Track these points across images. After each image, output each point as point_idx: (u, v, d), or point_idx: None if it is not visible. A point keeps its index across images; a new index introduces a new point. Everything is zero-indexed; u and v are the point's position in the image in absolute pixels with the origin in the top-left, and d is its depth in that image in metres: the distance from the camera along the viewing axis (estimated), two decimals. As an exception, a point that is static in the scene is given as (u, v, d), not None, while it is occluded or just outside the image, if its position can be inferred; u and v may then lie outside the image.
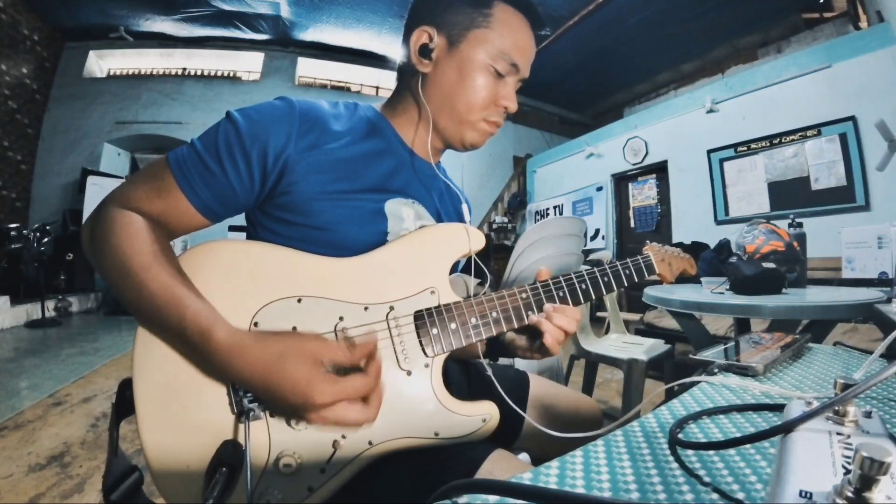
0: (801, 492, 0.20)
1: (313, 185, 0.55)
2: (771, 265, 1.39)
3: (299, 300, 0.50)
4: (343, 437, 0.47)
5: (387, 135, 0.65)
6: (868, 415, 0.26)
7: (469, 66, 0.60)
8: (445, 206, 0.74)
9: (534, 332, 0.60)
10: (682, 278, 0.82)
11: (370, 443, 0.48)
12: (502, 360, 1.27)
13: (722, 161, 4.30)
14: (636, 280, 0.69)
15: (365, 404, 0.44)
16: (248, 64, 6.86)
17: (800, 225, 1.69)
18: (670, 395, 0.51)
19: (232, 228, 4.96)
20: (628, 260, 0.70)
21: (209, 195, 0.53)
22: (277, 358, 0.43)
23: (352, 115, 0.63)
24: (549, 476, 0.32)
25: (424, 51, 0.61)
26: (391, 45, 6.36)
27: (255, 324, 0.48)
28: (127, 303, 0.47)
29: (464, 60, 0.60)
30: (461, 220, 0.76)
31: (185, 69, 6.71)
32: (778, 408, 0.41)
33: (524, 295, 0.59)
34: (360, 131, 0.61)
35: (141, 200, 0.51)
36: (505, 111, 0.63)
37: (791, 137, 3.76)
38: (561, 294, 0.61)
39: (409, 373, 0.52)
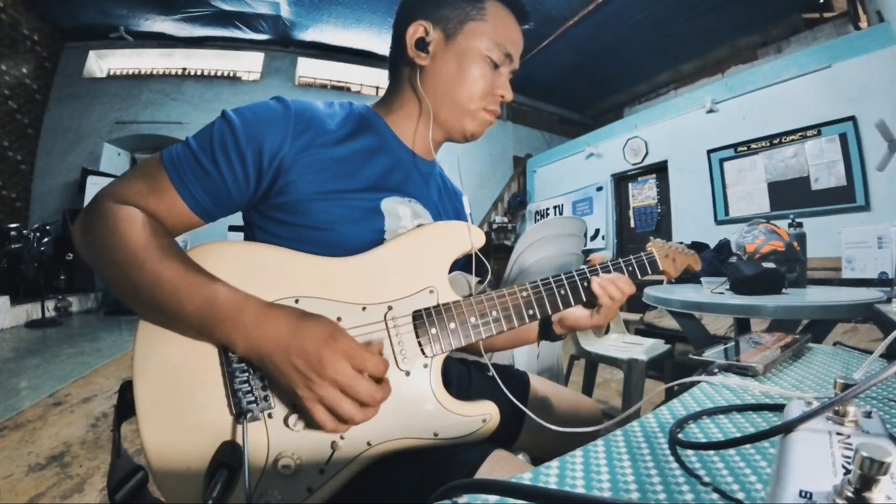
0: (801, 492, 0.20)
1: (309, 185, 0.55)
2: (771, 265, 1.39)
3: (297, 301, 0.50)
4: (342, 437, 0.47)
5: (382, 132, 0.65)
6: (868, 415, 0.26)
7: (467, 56, 0.61)
8: (444, 202, 0.74)
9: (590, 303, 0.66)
10: (686, 276, 0.81)
11: (369, 443, 0.48)
12: (502, 361, 1.27)
13: (722, 161, 4.30)
14: (639, 276, 0.69)
15: (372, 383, 0.45)
16: (248, 64, 6.86)
17: (800, 225, 1.69)
18: (670, 395, 0.51)
19: (232, 228, 4.97)
20: (631, 256, 0.69)
21: (204, 195, 0.53)
22: (306, 312, 0.47)
23: (347, 114, 0.63)
24: (549, 476, 0.32)
25: (421, 44, 0.62)
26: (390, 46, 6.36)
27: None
28: (136, 295, 0.46)
29: (462, 52, 0.61)
30: (460, 215, 0.76)
31: (185, 69, 6.71)
32: (778, 408, 0.41)
33: (524, 293, 0.58)
34: (356, 130, 0.62)
35: (136, 197, 0.51)
36: (501, 100, 0.65)
37: (791, 137, 3.76)
38: (563, 292, 0.61)
39: (407, 373, 0.52)
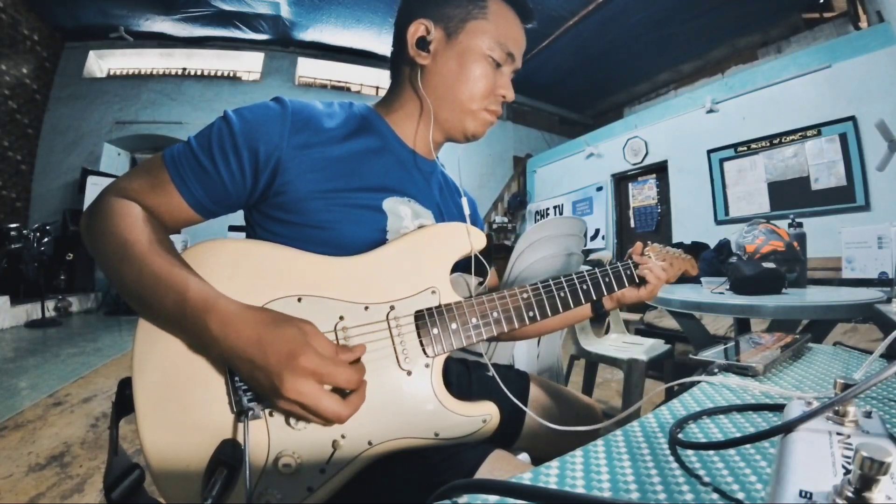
0: (801, 492, 0.20)
1: (308, 185, 0.55)
2: (771, 265, 1.39)
3: (299, 299, 0.50)
4: (343, 436, 0.47)
5: (383, 132, 0.65)
6: (868, 415, 0.26)
7: (469, 56, 0.61)
8: (446, 201, 0.74)
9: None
10: (683, 279, 0.82)
11: (370, 443, 0.48)
12: (502, 361, 1.27)
13: (722, 161, 4.30)
14: (637, 281, 0.70)
15: (342, 400, 0.43)
16: (248, 64, 6.86)
17: (800, 225, 1.69)
18: (670, 395, 0.51)
19: (232, 228, 4.97)
20: (629, 261, 0.70)
21: (202, 192, 0.54)
22: (273, 321, 0.44)
23: (346, 113, 0.63)
24: (549, 476, 0.32)
25: (422, 43, 0.61)
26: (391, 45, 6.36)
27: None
28: (125, 287, 0.47)
29: (463, 51, 0.61)
30: (461, 214, 0.76)
31: (185, 69, 6.71)
32: (778, 408, 0.41)
33: (525, 295, 0.59)
34: (355, 129, 0.62)
35: (137, 192, 0.52)
36: (503, 100, 0.65)
37: (791, 137, 3.76)
38: (562, 294, 0.61)
39: (409, 373, 0.52)
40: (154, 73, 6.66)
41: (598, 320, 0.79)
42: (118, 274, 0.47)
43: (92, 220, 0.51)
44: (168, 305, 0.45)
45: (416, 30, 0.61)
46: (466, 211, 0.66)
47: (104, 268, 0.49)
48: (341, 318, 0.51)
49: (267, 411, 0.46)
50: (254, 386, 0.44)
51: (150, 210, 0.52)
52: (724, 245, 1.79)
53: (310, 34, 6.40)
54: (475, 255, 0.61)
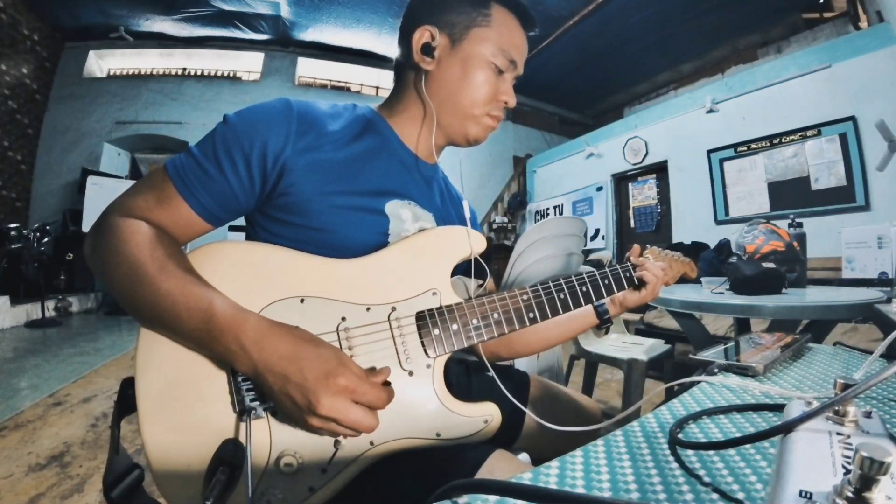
0: (801, 492, 0.20)
1: (312, 186, 0.55)
2: (771, 265, 1.40)
3: (302, 300, 0.50)
4: (344, 437, 0.47)
5: (385, 135, 0.65)
6: (868, 415, 0.26)
7: (472, 62, 0.61)
8: (446, 206, 0.74)
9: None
10: (683, 280, 0.82)
11: (371, 443, 0.48)
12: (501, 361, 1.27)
13: (722, 161, 4.30)
14: (637, 284, 0.70)
15: (369, 411, 0.45)
16: (248, 64, 6.86)
17: (800, 225, 1.69)
18: (670, 395, 0.51)
19: (232, 228, 4.96)
20: (629, 263, 0.70)
21: (210, 200, 0.53)
22: (310, 340, 0.46)
23: (350, 115, 0.63)
24: (549, 476, 0.32)
25: (427, 49, 0.62)
26: (391, 45, 6.34)
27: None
28: (139, 309, 0.46)
29: (467, 57, 0.61)
30: (462, 219, 0.76)
31: (185, 69, 6.71)
32: (778, 408, 0.41)
33: (525, 297, 0.59)
34: (358, 132, 0.62)
35: (143, 209, 0.51)
36: (505, 106, 0.65)
37: (791, 137, 3.76)
38: (562, 296, 0.61)
39: (410, 373, 0.52)
40: (154, 73, 6.65)
41: (603, 326, 0.78)
42: (130, 296, 0.46)
43: (97, 243, 0.49)
44: (190, 325, 0.45)
45: (422, 36, 0.62)
46: (467, 214, 0.67)
47: (114, 290, 0.48)
48: (343, 318, 0.51)
49: (269, 411, 0.46)
50: (283, 401, 0.44)
51: (158, 225, 0.51)
52: (724, 245, 1.80)
53: (310, 34, 6.40)
54: (475, 258, 0.61)
